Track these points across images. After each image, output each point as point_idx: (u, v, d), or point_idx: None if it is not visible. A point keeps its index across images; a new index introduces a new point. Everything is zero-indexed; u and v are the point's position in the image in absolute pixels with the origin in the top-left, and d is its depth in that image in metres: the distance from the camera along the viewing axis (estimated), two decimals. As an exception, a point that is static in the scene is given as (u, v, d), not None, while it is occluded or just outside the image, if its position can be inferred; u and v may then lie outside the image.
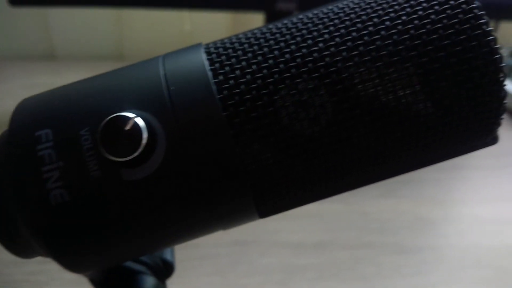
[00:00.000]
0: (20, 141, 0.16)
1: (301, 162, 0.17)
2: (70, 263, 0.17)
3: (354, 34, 0.17)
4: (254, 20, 0.79)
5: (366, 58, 0.17)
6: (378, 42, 0.17)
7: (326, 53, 0.17)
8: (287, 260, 0.43)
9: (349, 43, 0.17)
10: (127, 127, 0.16)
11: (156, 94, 0.17)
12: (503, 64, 0.17)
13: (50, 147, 0.16)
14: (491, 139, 0.19)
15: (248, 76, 0.17)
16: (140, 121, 0.16)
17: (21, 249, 0.18)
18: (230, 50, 0.18)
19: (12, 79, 0.71)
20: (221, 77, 0.17)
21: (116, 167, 0.16)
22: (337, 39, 0.17)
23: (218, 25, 0.84)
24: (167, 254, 0.24)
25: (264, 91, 0.17)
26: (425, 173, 0.53)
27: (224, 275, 0.41)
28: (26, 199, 0.16)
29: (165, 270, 0.24)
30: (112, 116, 0.16)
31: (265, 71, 0.17)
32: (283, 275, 0.42)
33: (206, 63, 0.17)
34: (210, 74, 0.17)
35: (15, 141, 0.17)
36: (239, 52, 0.17)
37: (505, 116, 0.18)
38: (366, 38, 0.17)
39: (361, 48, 0.17)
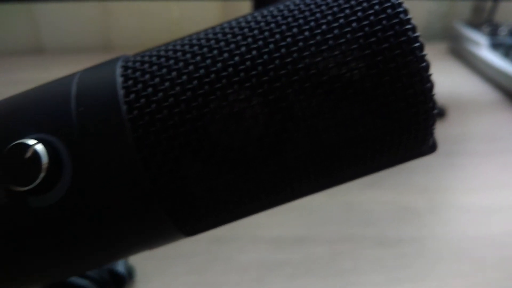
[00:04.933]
0: None
1: (223, 180, 0.17)
2: None
3: (289, 40, 0.16)
4: (243, 6, 0.77)
5: (300, 65, 0.16)
6: (312, 48, 0.16)
7: (259, 61, 0.16)
8: (265, 256, 0.43)
9: (283, 50, 0.16)
10: (28, 155, 0.15)
11: (64, 116, 0.16)
12: (429, 74, 0.16)
13: None
14: (428, 148, 0.18)
15: (160, 94, 0.16)
16: (40, 148, 0.15)
17: None
18: (146, 65, 0.17)
19: None
20: (132, 96, 0.16)
21: (22, 195, 0.15)
22: (271, 46, 0.16)
23: (207, 12, 0.82)
24: (117, 266, 0.24)
25: (176, 110, 0.16)
26: (414, 161, 0.52)
27: (201, 273, 0.41)
28: None
29: (114, 282, 0.24)
30: (12, 144, 0.15)
31: (177, 88, 0.16)
32: (260, 272, 0.41)
33: (120, 80, 0.16)
34: (121, 92, 0.16)
35: None
36: (155, 67, 0.16)
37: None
38: (300, 44, 0.16)
39: (295, 55, 0.16)
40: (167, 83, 0.16)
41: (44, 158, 0.15)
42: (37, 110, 0.16)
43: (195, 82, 0.16)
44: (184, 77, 0.16)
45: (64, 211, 0.16)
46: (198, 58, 0.16)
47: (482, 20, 0.90)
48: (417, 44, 0.15)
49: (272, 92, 0.16)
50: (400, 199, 0.48)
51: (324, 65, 0.15)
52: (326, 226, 0.45)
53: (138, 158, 0.15)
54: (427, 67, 0.15)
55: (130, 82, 0.17)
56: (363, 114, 0.16)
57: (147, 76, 0.16)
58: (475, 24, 0.85)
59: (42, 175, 0.15)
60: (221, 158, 0.16)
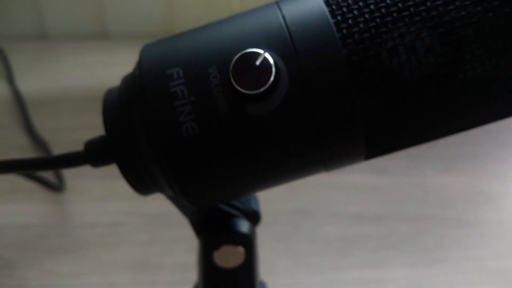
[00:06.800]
0: (153, 79, 0.17)
1: (409, 105, 0.18)
2: (193, 195, 0.18)
3: None
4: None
5: (467, 2, 0.17)
6: None
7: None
8: (347, 230, 0.43)
9: None
10: (257, 62, 0.16)
11: (278, 34, 0.17)
12: None
13: (182, 84, 0.17)
14: None
15: (367, 16, 0.17)
16: (269, 57, 0.16)
17: (144, 185, 0.19)
18: None
19: (65, 58, 0.74)
20: (339, 17, 0.17)
21: (242, 102, 0.17)
22: None
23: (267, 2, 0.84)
24: (254, 204, 0.25)
25: (383, 30, 0.17)
26: (485, 149, 0.52)
27: (286, 241, 0.42)
28: (160, 132, 0.17)
29: (255, 217, 0.25)
30: (244, 51, 0.17)
31: (383, 10, 0.17)
32: (343, 244, 0.42)
33: (323, 5, 0.18)
34: (328, 14, 0.17)
35: (148, 79, 0.17)
36: None
37: None
38: None
39: None
40: (371, 6, 0.17)
41: (273, 67, 0.16)
42: (251, 29, 0.18)
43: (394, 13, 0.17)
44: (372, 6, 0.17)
45: (280, 119, 0.17)
46: None
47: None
48: None
49: (441, 26, 0.17)
50: (476, 184, 0.48)
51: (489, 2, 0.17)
52: (405, 206, 0.46)
53: (348, 72, 0.17)
54: None
55: (334, 6, 0.18)
56: None
57: (350, 1, 0.18)
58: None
59: (270, 82, 0.16)
60: (401, 85, 0.17)
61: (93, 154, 0.20)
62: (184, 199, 0.18)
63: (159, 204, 0.45)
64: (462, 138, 0.53)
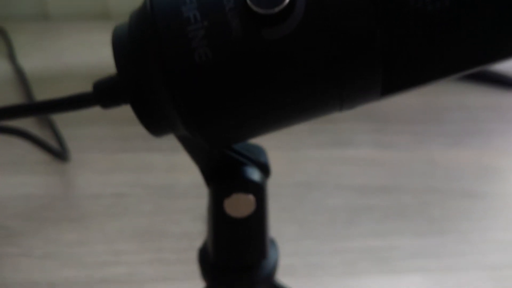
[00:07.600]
0: (164, 4, 0.17)
1: (423, 39, 0.18)
2: (206, 127, 0.18)
3: None
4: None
5: None
6: None
7: None
8: (352, 201, 0.43)
9: None
10: None
11: None
12: None
13: (195, 8, 0.17)
14: None
15: None
16: None
17: (157, 123, 0.19)
18: None
19: (67, 38, 0.73)
20: None
21: (257, 26, 0.16)
22: None
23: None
24: (263, 158, 0.25)
25: None
26: (490, 125, 0.52)
27: (291, 211, 0.42)
28: (172, 58, 0.17)
29: (265, 169, 0.24)
30: None
31: None
32: (349, 214, 0.42)
33: None
34: None
35: (160, 5, 0.17)
36: None
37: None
38: None
39: None
40: None
41: None
42: None
43: None
44: None
45: (296, 43, 0.17)
46: None
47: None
48: None
49: None
50: (481, 158, 0.48)
51: None
52: (411, 179, 0.45)
53: None
54: None
55: None
56: None
57: None
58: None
59: (285, 1, 0.16)
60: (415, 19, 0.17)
61: (103, 94, 0.20)
62: (197, 134, 0.18)
63: (164, 176, 0.46)
64: (468, 115, 0.53)
